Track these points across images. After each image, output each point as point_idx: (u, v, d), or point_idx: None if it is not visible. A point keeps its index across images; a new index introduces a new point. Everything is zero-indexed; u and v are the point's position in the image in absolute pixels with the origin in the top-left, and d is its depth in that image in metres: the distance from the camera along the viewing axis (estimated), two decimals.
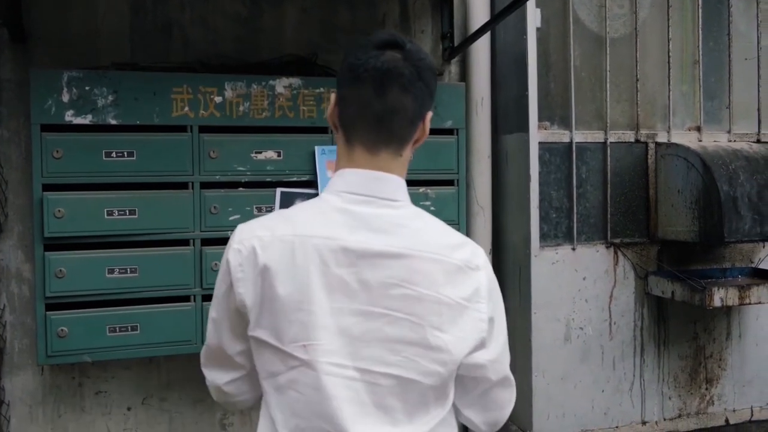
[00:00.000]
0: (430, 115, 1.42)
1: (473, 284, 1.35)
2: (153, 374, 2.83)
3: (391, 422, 1.33)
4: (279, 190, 2.62)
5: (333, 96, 1.42)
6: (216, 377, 1.48)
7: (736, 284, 3.01)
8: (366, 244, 1.32)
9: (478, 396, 1.44)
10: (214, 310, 1.40)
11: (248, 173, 2.60)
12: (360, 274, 1.32)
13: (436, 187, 2.86)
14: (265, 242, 1.34)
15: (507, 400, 1.48)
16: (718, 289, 2.86)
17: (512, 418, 3.12)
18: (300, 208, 1.42)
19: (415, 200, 2.77)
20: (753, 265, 3.34)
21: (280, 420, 1.33)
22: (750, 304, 2.91)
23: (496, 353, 1.40)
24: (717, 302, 2.85)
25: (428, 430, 1.37)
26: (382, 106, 1.34)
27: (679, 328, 3.24)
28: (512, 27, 3.14)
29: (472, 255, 1.37)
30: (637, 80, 3.24)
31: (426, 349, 1.32)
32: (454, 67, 3.30)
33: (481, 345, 1.36)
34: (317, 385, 1.30)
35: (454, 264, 1.34)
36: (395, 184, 1.37)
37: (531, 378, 2.97)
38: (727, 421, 3.31)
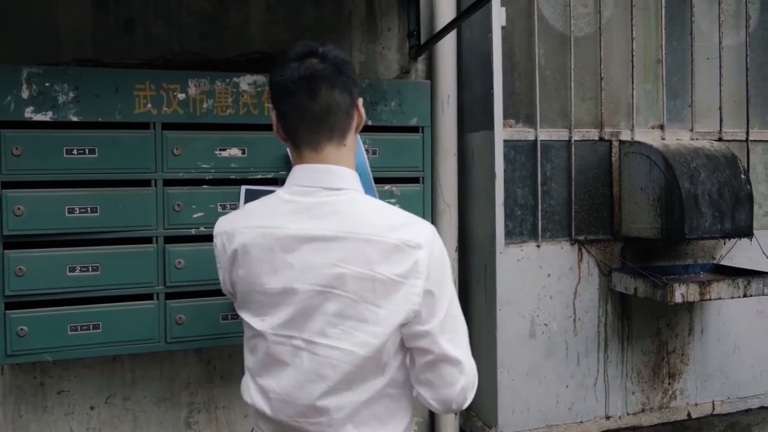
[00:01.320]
0: (360, 101, 1.63)
1: (411, 261, 1.48)
2: (117, 373, 2.81)
3: (330, 388, 1.52)
4: (244, 188, 2.61)
5: (273, 115, 1.63)
6: None
7: (698, 280, 3.05)
8: (306, 230, 1.52)
9: (424, 368, 1.55)
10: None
11: (212, 170, 2.59)
12: (303, 257, 1.52)
13: (401, 185, 2.86)
14: (229, 234, 1.62)
15: (454, 377, 1.54)
16: (679, 285, 2.91)
17: (477, 413, 3.15)
18: (258, 202, 1.65)
19: (381, 197, 2.79)
20: (715, 262, 3.39)
21: (247, 374, 1.66)
22: (710, 299, 2.96)
23: (433, 325, 1.50)
24: (678, 298, 2.89)
25: (367, 397, 1.54)
26: (318, 107, 1.55)
27: (643, 323, 3.28)
28: (478, 25, 3.15)
29: (414, 234, 1.50)
30: (602, 79, 3.27)
31: (360, 322, 1.50)
32: (420, 65, 3.31)
33: (415, 317, 1.49)
34: (269, 351, 1.57)
35: (390, 243, 1.48)
36: (338, 174, 1.57)
37: (496, 374, 2.99)
38: (689, 415, 3.36)
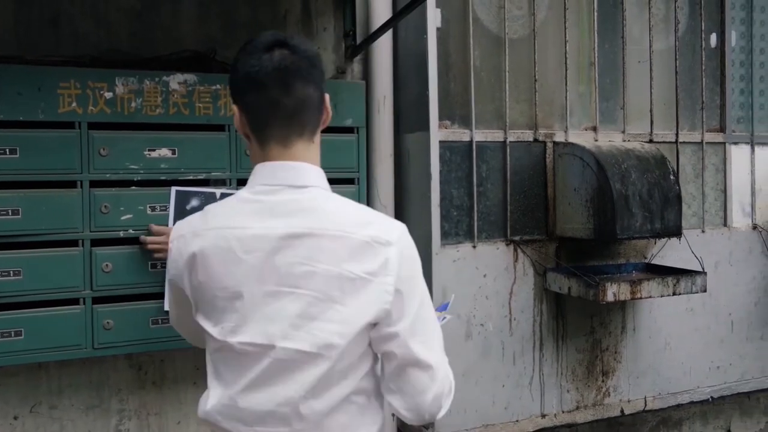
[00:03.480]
0: (328, 96, 1.55)
1: (381, 259, 1.40)
2: (42, 381, 2.71)
3: (293, 394, 1.43)
4: (174, 189, 2.56)
5: (235, 108, 1.52)
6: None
7: (629, 279, 3.11)
8: (271, 229, 1.43)
9: (394, 375, 1.46)
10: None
11: (141, 171, 2.52)
12: (267, 257, 1.43)
13: (336, 186, 2.81)
14: (186, 238, 1.51)
15: (425, 384, 1.45)
16: (611, 285, 2.96)
17: None
18: (217, 203, 1.56)
19: None
20: (646, 261, 3.46)
21: (213, 385, 1.52)
22: (641, 298, 3.02)
23: (402, 327, 1.42)
24: (610, 297, 2.94)
25: (330, 405, 1.44)
26: (293, 102, 1.46)
27: (577, 322, 3.33)
28: (413, 27, 3.16)
29: (384, 231, 1.43)
30: (536, 81, 3.31)
31: (326, 322, 1.41)
32: (356, 66, 3.29)
33: (385, 316, 1.41)
34: (234, 362, 1.47)
35: (359, 240, 1.41)
36: (304, 171, 1.49)
37: None
38: (622, 411, 3.42)
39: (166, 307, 1.91)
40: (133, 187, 2.52)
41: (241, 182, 2.62)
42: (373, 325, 1.43)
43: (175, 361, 2.88)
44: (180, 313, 1.63)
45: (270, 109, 1.47)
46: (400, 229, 1.47)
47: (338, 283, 1.41)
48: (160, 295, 2.53)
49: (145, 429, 2.87)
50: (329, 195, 1.50)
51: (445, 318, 1.98)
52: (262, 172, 1.50)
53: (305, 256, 1.42)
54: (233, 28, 2.99)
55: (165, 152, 2.56)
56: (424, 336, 1.45)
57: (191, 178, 2.59)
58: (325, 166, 2.83)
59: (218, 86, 2.65)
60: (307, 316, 1.42)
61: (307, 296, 1.42)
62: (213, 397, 1.50)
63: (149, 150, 2.54)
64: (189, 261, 1.50)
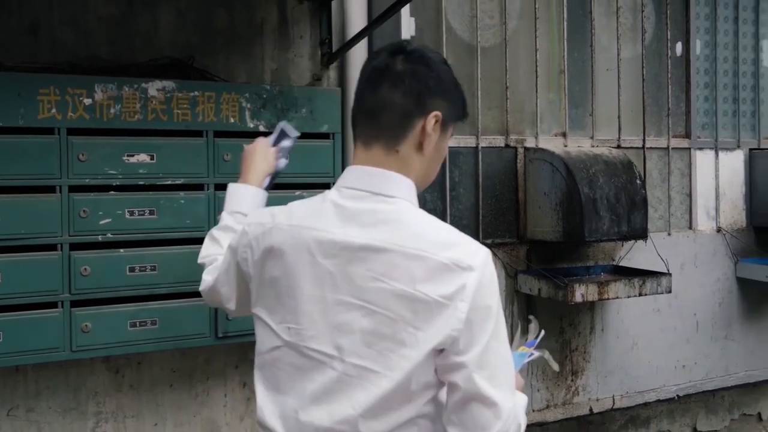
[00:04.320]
0: (434, 115, 1.43)
1: (458, 283, 1.33)
2: (20, 384, 2.74)
3: (353, 412, 1.37)
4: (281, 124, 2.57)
5: None
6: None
7: (597, 281, 3.20)
8: (351, 237, 1.39)
9: (457, 407, 1.38)
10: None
11: (120, 176, 2.56)
12: (343, 265, 1.39)
13: (312, 190, 2.89)
14: (266, 228, 1.49)
15: (488, 421, 1.36)
16: (579, 286, 3.05)
17: None
18: (304, 200, 1.52)
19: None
20: (614, 263, 3.56)
21: (261, 391, 1.49)
22: (608, 299, 3.11)
23: (469, 358, 1.34)
24: (578, 298, 3.03)
25: (392, 427, 1.38)
26: (373, 102, 1.43)
27: (547, 323, 3.41)
28: (388, 35, 3.23)
29: (466, 255, 1.36)
30: (507, 88, 3.40)
31: (396, 344, 1.35)
32: (332, 73, 3.35)
33: (451, 343, 1.34)
34: (297, 365, 1.43)
35: (439, 261, 1.34)
36: (390, 180, 1.43)
37: None
38: (591, 410, 3.52)
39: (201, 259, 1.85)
40: (112, 192, 2.56)
41: (219, 187, 2.67)
42: (440, 351, 1.35)
43: (153, 363, 2.92)
44: (227, 278, 1.65)
45: (357, 103, 1.48)
46: (484, 255, 1.38)
47: (411, 305, 1.35)
48: (138, 298, 2.59)
49: (121, 431, 2.91)
50: (415, 210, 1.44)
51: (532, 355, 1.89)
52: (351, 175, 1.46)
53: (380, 272, 1.37)
54: (210, 36, 3.04)
55: (143, 158, 2.60)
56: (492, 370, 1.36)
57: (169, 182, 2.64)
58: (302, 172, 2.92)
59: (196, 93, 2.70)
60: (378, 334, 1.37)
61: (379, 314, 1.36)
62: (273, 405, 1.48)
63: (128, 155, 2.58)
64: (264, 253, 1.48)
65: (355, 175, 1.45)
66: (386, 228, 1.39)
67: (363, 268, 1.38)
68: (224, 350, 3.01)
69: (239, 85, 2.89)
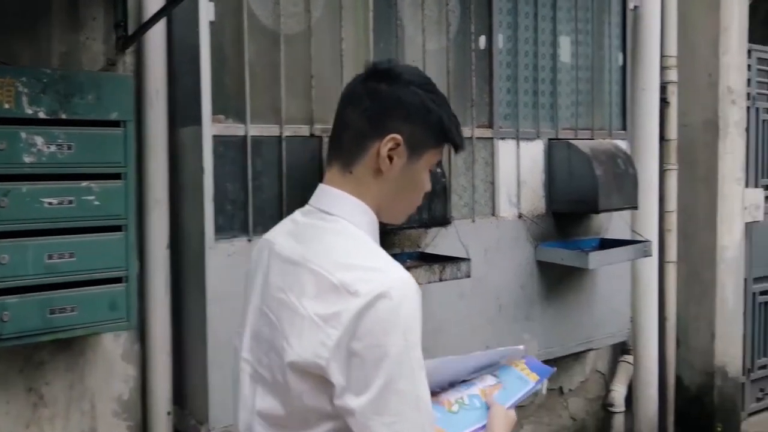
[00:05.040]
0: (390, 139, 1.41)
1: (337, 307, 1.27)
2: None
3: (276, 427, 1.38)
4: None
5: None
6: None
7: None
8: (284, 250, 1.44)
9: None
10: None
11: None
12: (269, 276, 1.44)
13: (101, 181, 2.76)
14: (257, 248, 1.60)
15: None
16: None
17: (191, 411, 3.12)
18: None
19: (78, 194, 2.68)
20: (420, 250, 3.65)
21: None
22: None
23: (361, 402, 1.24)
24: None
25: None
26: (337, 121, 1.48)
27: None
28: (188, 20, 3.12)
29: (360, 280, 1.28)
30: (312, 77, 3.38)
31: (277, 356, 1.35)
32: (129, 58, 3.21)
33: (320, 371, 1.27)
34: (236, 372, 1.52)
35: (329, 281, 1.30)
36: (333, 198, 1.45)
37: (207, 372, 2.97)
38: None
39: None
40: None
41: None
42: (327, 386, 1.28)
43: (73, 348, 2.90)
44: None
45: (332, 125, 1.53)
46: (386, 285, 1.27)
47: (292, 318, 1.33)
48: (58, 286, 2.63)
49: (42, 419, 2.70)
50: (347, 231, 1.41)
51: (538, 384, 1.65)
52: (315, 192, 1.52)
53: (286, 284, 1.38)
54: None
55: None
56: (395, 417, 1.24)
57: None
58: (89, 161, 2.77)
59: None
60: (270, 343, 1.38)
61: (274, 324, 1.38)
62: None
63: None
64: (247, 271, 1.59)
65: (316, 192, 1.51)
66: (309, 244, 1.40)
67: (279, 279, 1.41)
68: (6, 353, 2.80)
69: (16, 69, 2.70)
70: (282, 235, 1.50)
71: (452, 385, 1.60)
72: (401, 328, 1.26)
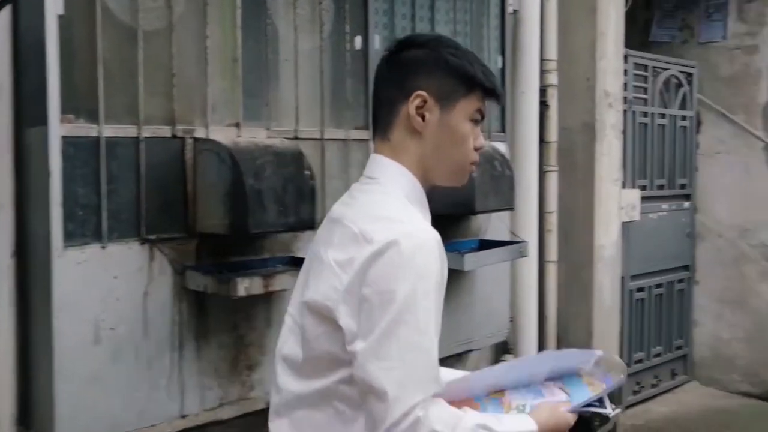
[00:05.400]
0: (416, 99, 1.54)
1: (353, 254, 1.39)
2: None
3: (285, 360, 1.60)
4: None
5: None
6: None
7: (265, 273, 3.17)
8: (333, 213, 1.62)
9: (362, 400, 1.39)
10: None
11: None
12: (316, 236, 1.65)
13: None
14: None
15: (378, 415, 1.31)
16: (243, 279, 2.99)
17: (34, 425, 2.92)
18: None
19: None
20: (291, 255, 3.56)
21: None
22: (275, 290, 3.10)
23: (364, 346, 1.33)
24: (241, 292, 2.98)
25: (306, 392, 1.46)
26: (375, 101, 1.65)
27: (220, 319, 3.32)
28: (35, 12, 2.92)
29: (378, 229, 1.40)
30: (174, 75, 3.24)
31: (301, 300, 1.54)
32: None
33: (329, 313, 1.41)
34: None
35: (352, 230, 1.44)
36: (375, 164, 1.61)
37: (53, 382, 2.78)
38: (267, 404, 3.49)
39: None
40: None
41: None
42: (340, 331, 1.39)
43: None
44: None
45: None
46: (396, 234, 1.38)
47: (318, 267, 1.48)
48: None
49: None
50: (383, 191, 1.54)
51: (604, 406, 1.61)
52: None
53: (322, 238, 1.57)
54: None
55: None
56: (392, 361, 1.31)
57: None
58: None
59: None
60: (303, 292, 1.56)
61: (308, 273, 1.56)
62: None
63: None
64: None
65: (368, 162, 1.67)
66: (350, 205, 1.56)
67: (320, 236, 1.61)
68: None
69: None
70: (338, 203, 1.64)
71: (526, 386, 1.62)
72: (411, 277, 1.34)
